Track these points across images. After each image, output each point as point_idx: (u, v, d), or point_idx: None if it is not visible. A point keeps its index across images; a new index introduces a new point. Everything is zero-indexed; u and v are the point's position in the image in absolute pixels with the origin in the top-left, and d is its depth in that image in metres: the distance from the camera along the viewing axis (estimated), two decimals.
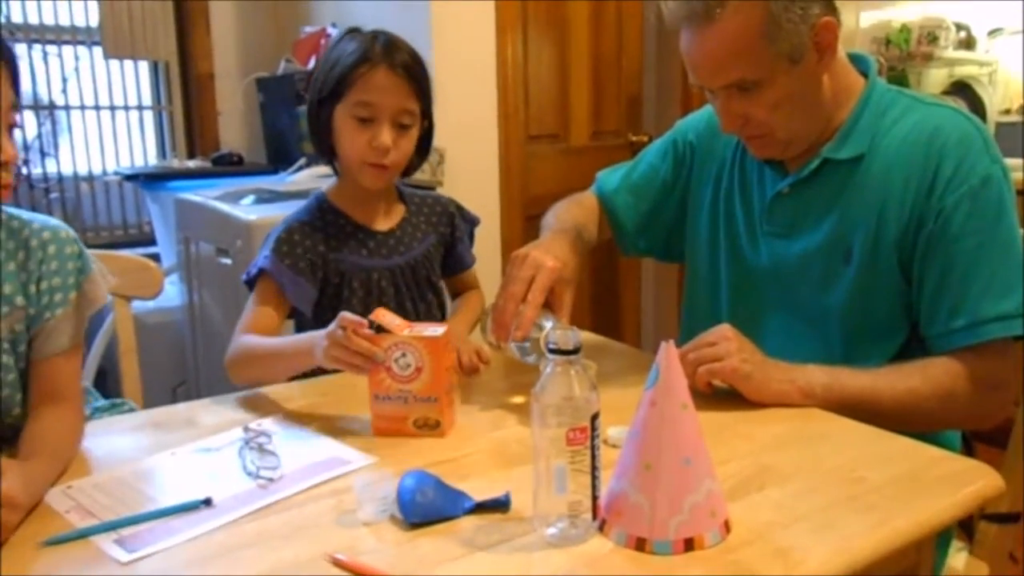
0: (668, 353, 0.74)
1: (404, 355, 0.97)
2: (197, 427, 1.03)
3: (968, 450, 1.30)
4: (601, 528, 0.75)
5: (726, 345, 1.03)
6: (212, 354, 2.05)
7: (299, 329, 1.32)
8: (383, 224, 1.31)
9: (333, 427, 1.01)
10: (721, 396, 1.07)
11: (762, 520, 0.76)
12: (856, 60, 1.17)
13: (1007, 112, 3.16)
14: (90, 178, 2.77)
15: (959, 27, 3.21)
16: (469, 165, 2.16)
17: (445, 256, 1.39)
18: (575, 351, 0.73)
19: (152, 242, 2.75)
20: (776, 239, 1.19)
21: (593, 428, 0.73)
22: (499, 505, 0.79)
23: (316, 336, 1.02)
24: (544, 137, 2.58)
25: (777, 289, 1.19)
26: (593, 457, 0.73)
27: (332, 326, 0.98)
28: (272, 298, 1.22)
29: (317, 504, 0.81)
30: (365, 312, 1.20)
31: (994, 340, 1.03)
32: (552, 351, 0.73)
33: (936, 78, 3.27)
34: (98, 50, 2.70)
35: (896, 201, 1.08)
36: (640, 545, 0.72)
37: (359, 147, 1.20)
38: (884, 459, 0.89)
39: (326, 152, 1.27)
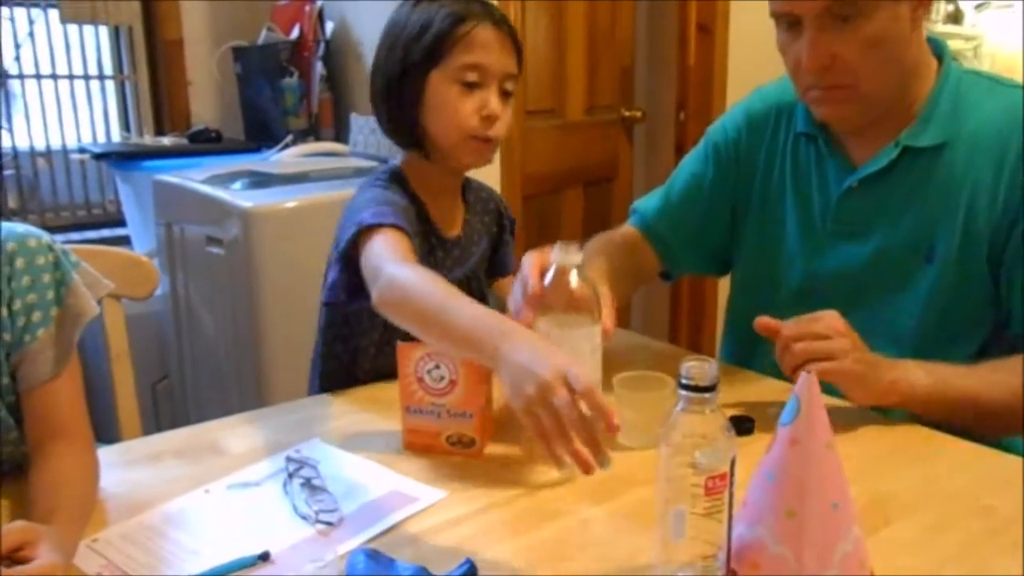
0: (810, 386, 0.64)
1: (437, 367, 0.88)
2: (225, 455, 0.91)
3: None
4: None
5: (841, 343, 0.92)
6: (198, 348, 1.91)
7: (329, 318, 1.11)
8: (452, 228, 1.13)
9: (383, 451, 0.90)
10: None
11: (904, 565, 0.69)
12: (929, 42, 1.08)
13: None
14: (48, 153, 2.55)
15: (947, 0, 3.18)
16: None
17: (490, 257, 1.22)
18: (711, 388, 0.63)
19: (119, 223, 2.55)
20: (845, 239, 1.10)
21: (732, 474, 0.64)
22: None
23: (511, 350, 0.72)
24: (540, 112, 2.46)
25: (845, 292, 1.10)
26: (730, 505, 0.64)
27: (546, 364, 0.69)
28: (410, 245, 0.95)
29: (395, 554, 0.71)
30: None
31: None
32: (685, 387, 0.63)
33: None
34: (54, 13, 2.47)
35: (986, 192, 1.00)
36: None
37: (464, 117, 1.01)
38: (1003, 482, 0.82)
39: (411, 132, 1.06)
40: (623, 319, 2.93)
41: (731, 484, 0.64)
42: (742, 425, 0.93)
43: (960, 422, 0.93)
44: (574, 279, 0.83)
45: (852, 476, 0.82)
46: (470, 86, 1.02)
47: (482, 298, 1.17)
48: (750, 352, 1.19)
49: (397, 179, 1.08)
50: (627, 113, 2.81)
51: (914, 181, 1.04)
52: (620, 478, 0.83)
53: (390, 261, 0.90)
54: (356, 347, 1.11)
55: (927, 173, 1.03)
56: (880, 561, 0.68)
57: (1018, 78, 3.42)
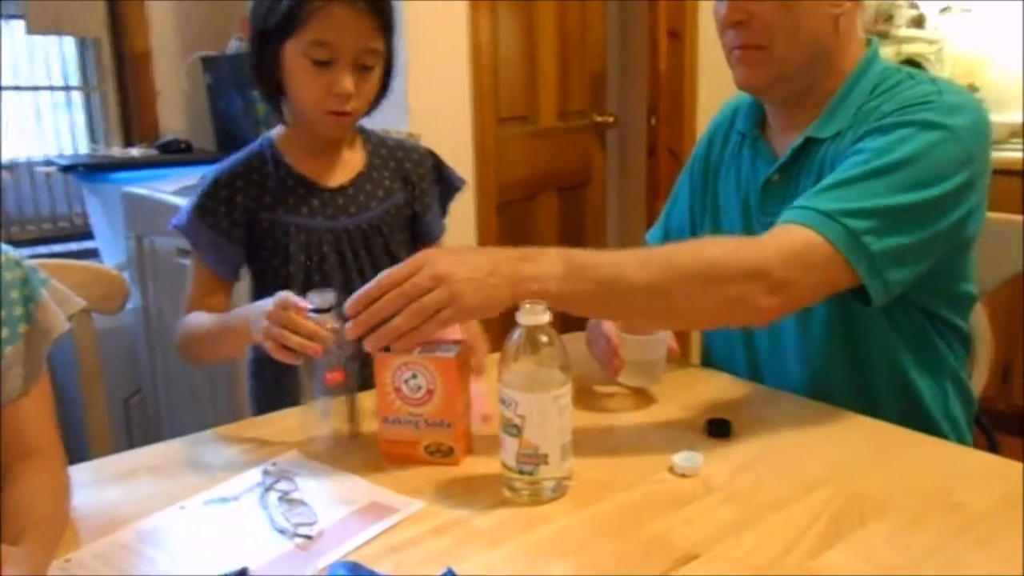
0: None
1: (414, 376, 0.87)
2: (202, 470, 0.90)
3: (991, 444, 1.28)
4: None
5: (449, 289, 0.81)
6: (171, 361, 1.89)
7: (255, 287, 1.19)
8: (335, 178, 1.15)
9: (361, 462, 0.89)
10: (766, 412, 1.00)
11: (881, 564, 0.69)
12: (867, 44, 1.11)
13: None
14: (12, 166, 2.51)
15: (911, 5, 3.24)
16: (444, 151, 2.02)
17: (412, 221, 1.23)
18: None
19: (87, 236, 2.52)
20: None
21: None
22: None
23: (252, 313, 0.94)
24: (514, 119, 2.46)
25: None
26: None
27: (268, 303, 0.90)
28: (206, 265, 1.15)
29: (375, 566, 0.70)
30: (306, 279, 1.11)
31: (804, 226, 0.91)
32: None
33: (883, 56, 3.29)
34: (18, 24, 2.43)
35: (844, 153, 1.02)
36: None
37: (316, 93, 1.04)
38: (972, 479, 0.84)
39: (272, 93, 1.10)
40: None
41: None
42: (720, 428, 0.94)
43: (604, 310, 0.91)
44: (543, 338, 0.79)
45: (826, 476, 0.84)
46: (320, 64, 1.02)
47: (387, 254, 1.17)
48: (727, 356, 1.21)
49: (260, 147, 1.14)
50: (599, 118, 2.83)
51: (816, 167, 1.05)
52: (600, 485, 0.84)
53: (183, 308, 1.15)
54: None
55: (826, 159, 1.05)
56: (858, 560, 0.69)
57: (980, 80, 3.45)
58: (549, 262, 0.85)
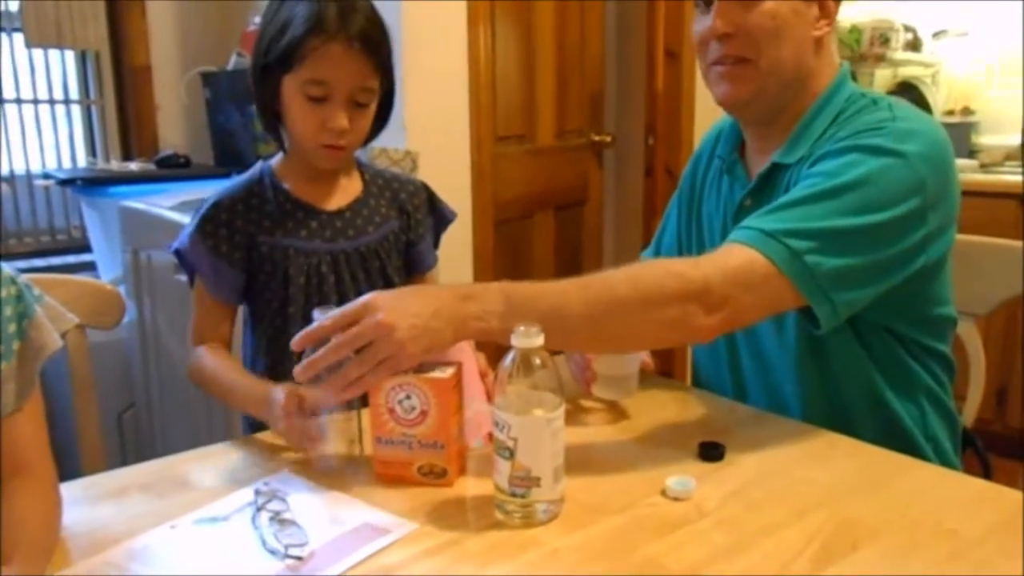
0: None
1: (408, 397, 0.87)
2: (193, 489, 0.90)
3: (984, 467, 1.28)
4: None
5: (387, 343, 0.83)
6: (166, 376, 1.88)
7: (251, 313, 1.19)
8: (332, 203, 1.17)
9: (354, 482, 0.89)
10: (759, 435, 1.00)
11: None
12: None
13: (951, 113, 3.22)
14: (11, 178, 2.52)
15: (906, 28, 3.27)
16: (441, 169, 2.04)
17: (406, 250, 1.25)
18: None
19: (84, 249, 2.52)
20: None
21: None
22: None
23: (272, 399, 0.94)
24: (511, 138, 2.48)
25: None
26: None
27: (280, 398, 0.92)
28: (207, 291, 1.16)
29: None
30: (305, 302, 1.13)
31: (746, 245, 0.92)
32: None
33: (881, 79, 3.32)
34: (19, 37, 2.45)
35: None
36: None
37: (311, 128, 1.07)
38: (965, 505, 0.83)
39: (271, 122, 1.13)
40: None
41: None
42: (713, 451, 0.94)
43: (548, 341, 0.82)
44: (536, 361, 0.79)
45: (819, 501, 0.84)
46: (316, 99, 1.05)
47: (383, 277, 1.20)
48: (715, 374, 1.21)
49: (260, 173, 1.16)
50: (597, 138, 2.85)
51: (781, 192, 1.06)
52: (592, 508, 0.83)
53: (192, 337, 1.17)
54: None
55: (789, 182, 1.06)
56: None
57: (976, 103, 3.47)
58: (490, 299, 0.87)
